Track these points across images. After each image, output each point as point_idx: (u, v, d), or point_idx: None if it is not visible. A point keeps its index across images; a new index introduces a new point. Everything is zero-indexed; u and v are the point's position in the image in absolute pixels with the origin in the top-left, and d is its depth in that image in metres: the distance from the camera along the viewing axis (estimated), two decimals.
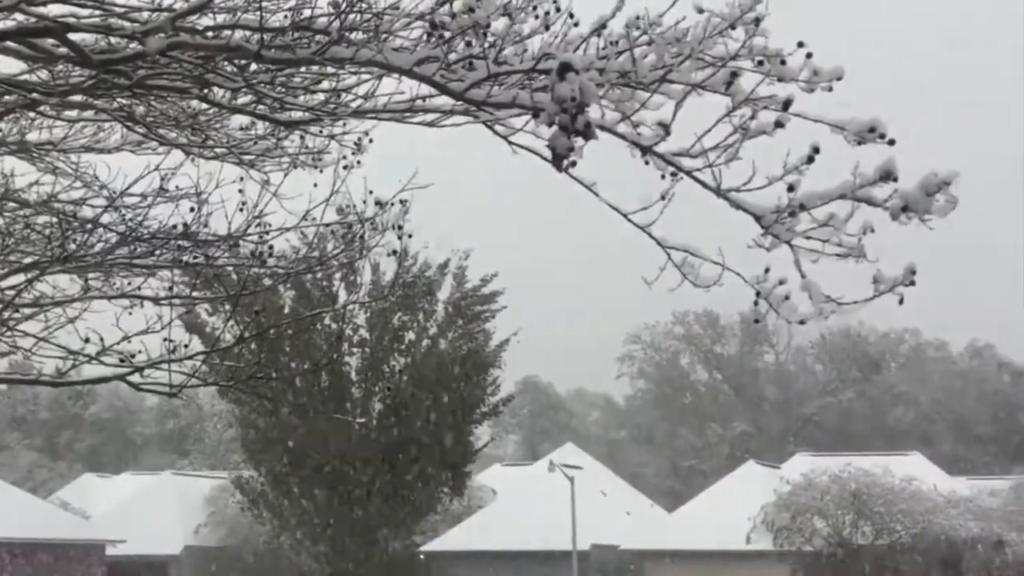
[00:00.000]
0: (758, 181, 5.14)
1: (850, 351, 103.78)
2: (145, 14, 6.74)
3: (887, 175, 4.88)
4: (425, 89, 6.10)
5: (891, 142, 4.98)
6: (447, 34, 5.56)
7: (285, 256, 10.24)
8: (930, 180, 4.85)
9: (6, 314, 9.19)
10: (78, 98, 7.92)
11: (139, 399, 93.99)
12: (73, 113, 8.72)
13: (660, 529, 54.72)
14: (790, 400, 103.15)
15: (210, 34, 6.19)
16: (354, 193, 8.73)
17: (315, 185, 8.68)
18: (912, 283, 4.95)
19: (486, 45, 5.50)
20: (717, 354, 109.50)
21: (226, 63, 6.54)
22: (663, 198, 5.36)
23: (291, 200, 8.76)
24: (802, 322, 5.19)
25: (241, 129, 8.71)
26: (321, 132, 8.55)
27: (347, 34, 5.88)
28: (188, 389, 8.64)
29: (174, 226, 8.97)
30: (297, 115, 7.40)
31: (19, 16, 6.41)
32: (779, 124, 5.14)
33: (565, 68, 4.73)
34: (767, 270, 5.16)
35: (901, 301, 5.00)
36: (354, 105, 6.93)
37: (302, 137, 8.81)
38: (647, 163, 5.33)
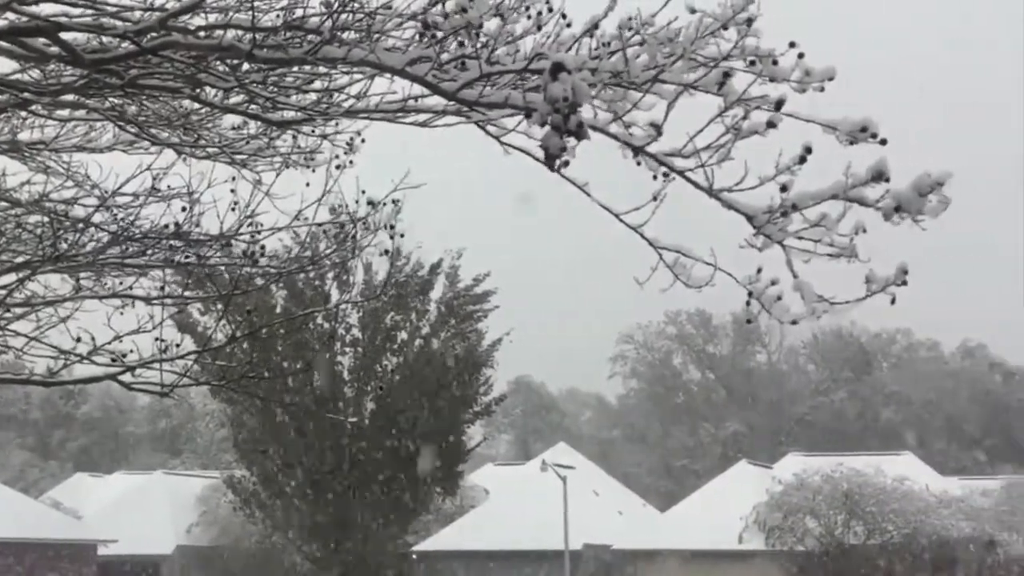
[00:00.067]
0: (750, 181, 5.14)
1: (842, 351, 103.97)
2: (137, 13, 6.73)
3: (879, 175, 4.89)
4: (417, 89, 6.10)
5: (883, 142, 4.99)
6: (439, 34, 5.55)
7: (277, 256, 10.25)
8: (923, 181, 4.86)
9: None
10: (70, 97, 7.90)
11: (131, 399, 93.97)
12: (65, 112, 8.70)
13: (652, 529, 54.74)
14: (782, 400, 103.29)
15: (202, 34, 6.18)
16: (346, 193, 8.74)
17: (307, 185, 8.68)
18: (904, 283, 4.95)
19: (478, 45, 5.50)
20: (709, 354, 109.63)
21: (218, 63, 6.53)
22: (655, 199, 5.36)
23: (283, 200, 8.76)
24: (794, 322, 5.19)
25: (233, 129, 8.70)
26: (313, 132, 8.55)
27: (339, 34, 5.88)
28: (180, 389, 8.63)
29: (166, 226, 8.95)
30: (289, 115, 7.40)
31: (10, 15, 6.39)
32: (771, 124, 5.14)
33: (558, 68, 4.73)
34: (759, 270, 5.16)
35: (893, 301, 5.00)
36: (346, 105, 6.92)
37: (294, 137, 8.81)
38: (639, 163, 5.33)
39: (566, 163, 4.98)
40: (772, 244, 5.15)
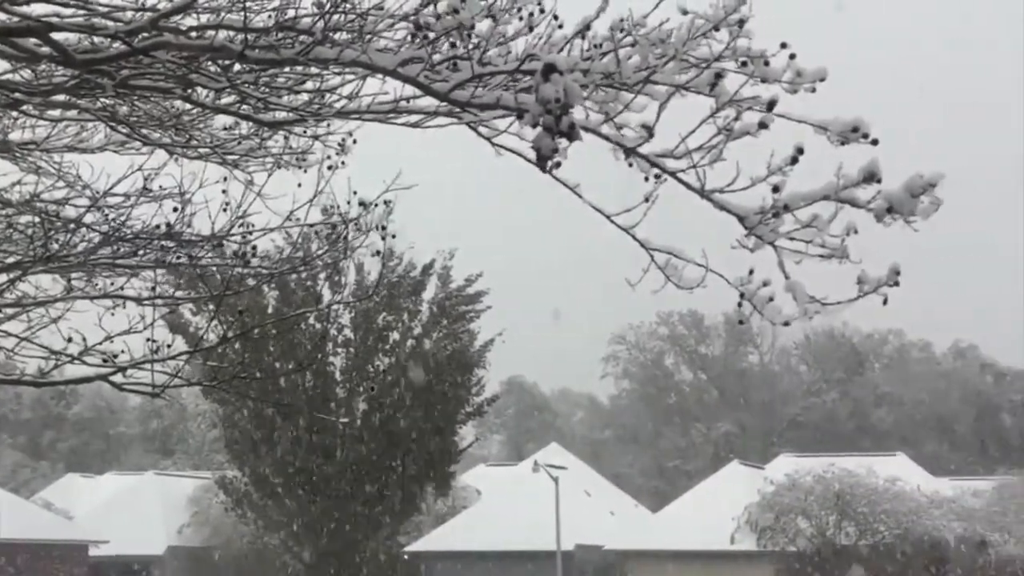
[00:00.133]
0: (742, 182, 5.14)
1: (834, 352, 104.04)
2: (128, 14, 6.72)
3: (871, 176, 4.89)
4: (409, 90, 6.09)
5: (874, 142, 4.99)
6: (431, 35, 5.55)
7: (269, 256, 10.24)
8: (915, 182, 4.86)
9: None
10: (61, 98, 7.89)
11: (122, 399, 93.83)
12: (56, 113, 8.69)
13: (644, 529, 54.75)
14: (774, 401, 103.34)
15: (194, 34, 6.17)
16: (338, 194, 8.73)
17: (299, 185, 8.67)
18: (896, 284, 4.96)
19: (470, 46, 5.50)
20: (701, 354, 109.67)
21: (210, 63, 6.53)
22: (647, 200, 5.36)
23: (275, 200, 8.75)
24: (786, 323, 5.20)
25: (225, 129, 8.69)
26: (305, 132, 8.54)
27: (331, 34, 5.88)
28: (171, 389, 8.62)
29: (157, 226, 8.95)
30: (281, 115, 7.39)
31: (1, 16, 6.38)
32: (763, 125, 5.14)
33: (549, 69, 4.73)
34: (751, 272, 5.17)
35: (885, 302, 5.00)
36: (338, 106, 6.92)
37: (286, 137, 8.80)
38: (631, 165, 5.33)
39: (558, 164, 4.98)
40: (764, 245, 5.15)
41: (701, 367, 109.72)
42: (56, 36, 6.15)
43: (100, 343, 8.55)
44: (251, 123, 8.14)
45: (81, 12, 6.78)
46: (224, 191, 8.72)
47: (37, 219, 9.10)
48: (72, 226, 9.07)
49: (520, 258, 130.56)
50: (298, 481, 38.69)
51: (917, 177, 4.86)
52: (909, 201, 4.86)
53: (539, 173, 5.08)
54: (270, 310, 37.05)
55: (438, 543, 54.35)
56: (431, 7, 5.69)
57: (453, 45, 5.54)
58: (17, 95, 7.50)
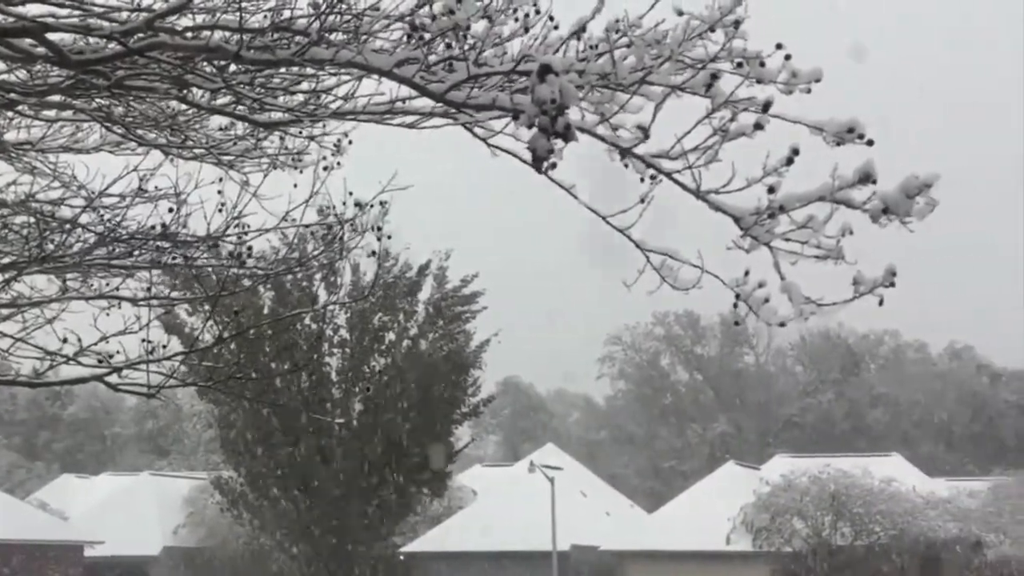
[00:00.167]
0: (738, 183, 5.14)
1: (830, 352, 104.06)
2: (124, 14, 6.72)
3: (866, 177, 4.89)
4: (405, 91, 6.09)
5: (870, 142, 4.99)
6: (427, 36, 5.55)
7: (265, 257, 10.24)
8: (910, 182, 4.86)
9: None
10: (56, 98, 7.88)
11: (117, 399, 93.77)
12: (51, 113, 8.68)
13: (640, 530, 54.76)
14: (770, 401, 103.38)
15: (189, 35, 6.16)
16: (334, 194, 8.73)
17: (295, 186, 8.66)
18: (892, 285, 4.96)
19: (466, 47, 5.50)
20: (697, 355, 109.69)
21: (205, 64, 6.52)
22: (642, 201, 5.36)
23: (271, 201, 8.75)
24: (782, 324, 5.19)
25: (220, 130, 8.68)
26: (301, 133, 8.54)
27: (327, 35, 5.87)
28: (167, 390, 8.61)
29: (153, 227, 8.93)
30: (276, 116, 7.38)
31: None
32: (758, 126, 5.14)
33: (545, 70, 4.73)
34: (747, 273, 5.17)
35: (881, 302, 5.00)
36: (334, 106, 6.91)
37: (282, 138, 8.79)
38: (627, 165, 5.34)
39: (553, 165, 4.98)
40: (759, 246, 5.15)
41: (697, 368, 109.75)
42: (51, 36, 6.14)
43: (95, 344, 8.54)
44: (247, 124, 8.14)
45: (77, 12, 6.78)
46: (220, 192, 8.71)
47: (32, 219, 9.09)
48: (67, 226, 9.06)
49: (516, 259, 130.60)
50: (294, 482, 38.69)
51: (913, 178, 4.86)
52: (905, 202, 4.86)
53: (535, 174, 5.08)
54: (266, 311, 37.04)
55: (434, 544, 54.35)
56: (427, 8, 5.69)
57: (449, 46, 5.54)
58: (12, 95, 7.49)
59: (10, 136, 9.18)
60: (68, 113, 8.52)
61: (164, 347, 8.59)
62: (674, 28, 5.43)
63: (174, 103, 7.87)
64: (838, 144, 5.01)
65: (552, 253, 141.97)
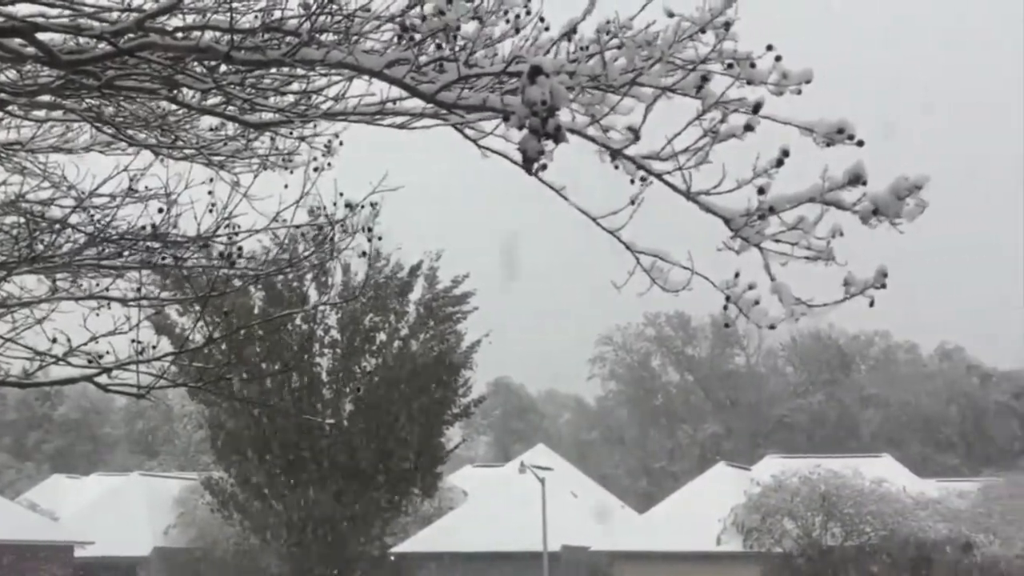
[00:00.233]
0: (728, 184, 5.14)
1: (820, 353, 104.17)
2: (114, 14, 6.71)
3: (856, 179, 4.90)
4: (396, 91, 6.09)
5: (860, 143, 5.00)
6: (417, 36, 5.55)
7: (255, 257, 10.21)
8: (900, 184, 4.87)
9: None
10: (46, 98, 7.87)
11: (107, 400, 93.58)
12: (41, 113, 8.67)
13: (631, 530, 54.77)
14: (761, 402, 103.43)
15: (180, 35, 6.15)
16: (324, 195, 8.72)
17: (285, 187, 8.66)
18: (883, 286, 4.96)
19: (457, 48, 5.49)
20: (688, 356, 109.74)
21: (196, 64, 6.52)
22: (633, 202, 5.36)
23: (261, 201, 8.74)
24: (772, 327, 5.20)
25: (211, 130, 8.68)
26: (291, 134, 8.53)
27: (317, 36, 5.87)
28: (157, 390, 8.60)
29: (143, 227, 8.93)
30: (267, 116, 7.37)
31: None
32: (749, 127, 5.14)
33: (536, 71, 4.72)
34: (737, 275, 5.17)
35: (872, 303, 5.00)
36: (324, 107, 6.91)
37: (272, 139, 8.78)
38: (617, 167, 5.34)
39: (544, 166, 4.98)
40: (750, 247, 5.15)
41: (688, 368, 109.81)
42: (41, 36, 6.13)
43: (85, 344, 8.54)
44: (237, 124, 8.13)
45: (67, 12, 6.77)
46: (210, 192, 8.71)
47: (22, 220, 9.08)
48: (57, 227, 9.05)
49: (507, 259, 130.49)
50: (284, 482, 38.64)
51: (902, 179, 4.86)
52: (895, 203, 4.87)
53: (525, 175, 5.08)
54: (256, 311, 36.98)
55: (425, 544, 54.32)
56: (417, 8, 5.69)
57: (439, 47, 5.53)
58: (2, 95, 7.48)
59: (0, 136, 9.17)
60: (58, 113, 8.50)
61: (154, 347, 8.59)
62: (665, 30, 5.43)
63: (164, 103, 7.86)
64: (828, 145, 5.01)
65: (543, 253, 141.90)
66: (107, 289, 9.39)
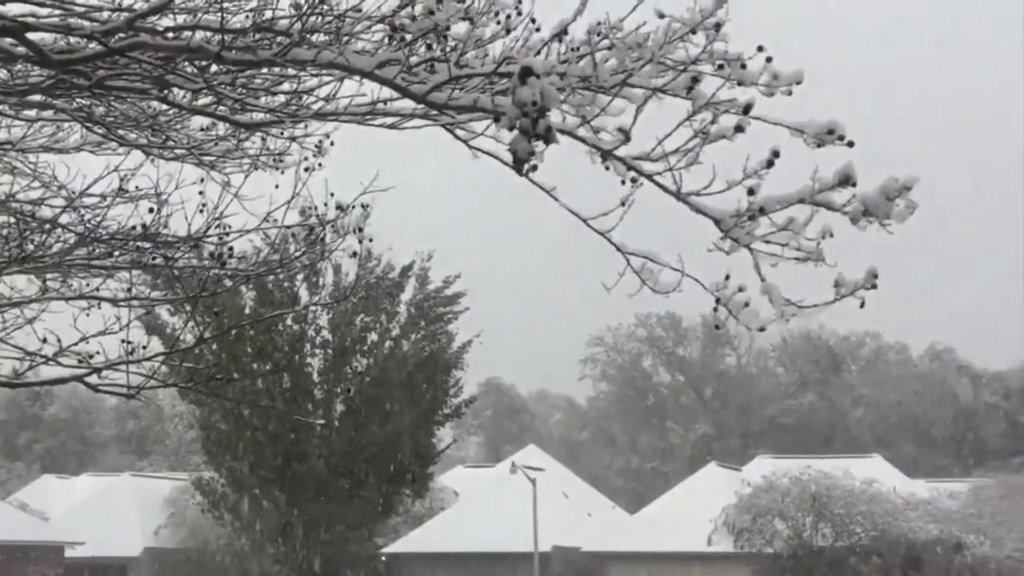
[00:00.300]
0: (718, 185, 5.14)
1: (811, 354, 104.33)
2: (105, 14, 6.70)
3: (846, 180, 4.90)
4: (386, 92, 6.08)
5: (850, 144, 5.00)
6: (408, 37, 5.54)
7: (246, 257, 10.20)
8: (890, 185, 4.87)
9: None
10: (37, 98, 7.86)
11: (98, 400, 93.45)
12: (32, 113, 8.66)
13: (622, 531, 54.79)
14: (751, 402, 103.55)
15: (170, 35, 6.15)
16: (315, 195, 8.72)
17: (276, 187, 8.64)
18: (874, 287, 4.97)
19: (447, 49, 5.49)
20: (679, 356, 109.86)
21: (187, 64, 6.51)
22: (623, 204, 5.36)
23: (252, 202, 8.73)
24: (762, 329, 5.20)
25: (201, 130, 8.66)
26: (282, 134, 8.52)
27: (308, 36, 5.86)
28: (147, 390, 8.59)
29: (133, 227, 8.92)
30: (258, 117, 7.36)
31: None
32: (739, 128, 5.14)
33: (526, 72, 4.73)
34: (727, 276, 5.17)
35: (862, 304, 5.01)
36: (315, 107, 6.90)
37: (263, 139, 8.78)
38: (608, 168, 5.34)
39: (534, 167, 4.98)
40: (740, 248, 5.15)
41: (679, 369, 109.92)
42: (32, 36, 6.12)
43: (75, 344, 8.53)
44: (228, 124, 8.12)
45: (57, 12, 6.76)
46: (201, 192, 8.70)
47: (12, 219, 9.06)
48: (47, 226, 9.04)
49: (498, 260, 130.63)
50: (275, 482, 38.59)
51: (892, 180, 4.87)
52: (884, 204, 4.87)
53: (516, 176, 5.08)
54: (247, 311, 36.94)
55: (416, 545, 54.31)
56: (408, 9, 5.69)
57: (430, 47, 5.53)
58: None
59: None
60: (49, 113, 8.49)
61: (145, 348, 8.58)
62: (655, 31, 5.43)
63: (155, 103, 7.85)
64: (819, 146, 5.01)
65: (534, 254, 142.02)
66: (97, 289, 9.38)
